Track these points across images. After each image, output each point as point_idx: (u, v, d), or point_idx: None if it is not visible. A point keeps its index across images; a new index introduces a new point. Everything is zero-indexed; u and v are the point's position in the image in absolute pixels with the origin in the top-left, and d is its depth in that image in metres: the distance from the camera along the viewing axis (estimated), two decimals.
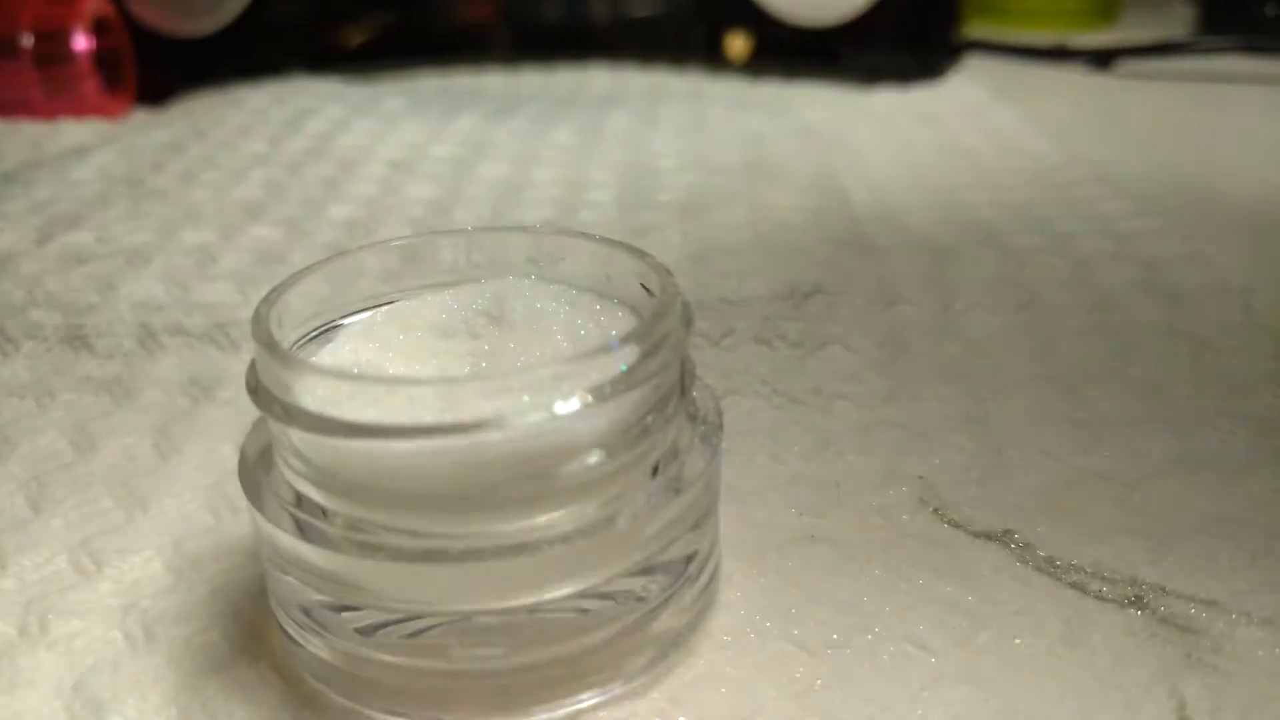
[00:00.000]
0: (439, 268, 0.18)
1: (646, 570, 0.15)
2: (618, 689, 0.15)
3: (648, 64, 0.53)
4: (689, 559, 0.15)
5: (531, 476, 0.14)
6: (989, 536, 0.18)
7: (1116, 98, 0.48)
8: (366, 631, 0.14)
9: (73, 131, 0.43)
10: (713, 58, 0.52)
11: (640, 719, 0.15)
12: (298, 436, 0.14)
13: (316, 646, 0.15)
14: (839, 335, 0.25)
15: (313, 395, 0.14)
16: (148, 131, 0.42)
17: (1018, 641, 0.16)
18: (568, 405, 0.13)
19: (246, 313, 0.26)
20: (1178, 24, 0.62)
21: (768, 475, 0.20)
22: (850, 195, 0.34)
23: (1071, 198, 0.34)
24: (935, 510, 0.19)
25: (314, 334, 0.16)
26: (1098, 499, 0.19)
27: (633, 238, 0.30)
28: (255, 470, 0.15)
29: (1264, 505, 0.19)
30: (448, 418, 0.13)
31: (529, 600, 0.14)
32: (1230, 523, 0.18)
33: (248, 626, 0.16)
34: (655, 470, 0.15)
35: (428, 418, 0.13)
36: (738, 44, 0.51)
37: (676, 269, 0.16)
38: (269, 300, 0.15)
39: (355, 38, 0.52)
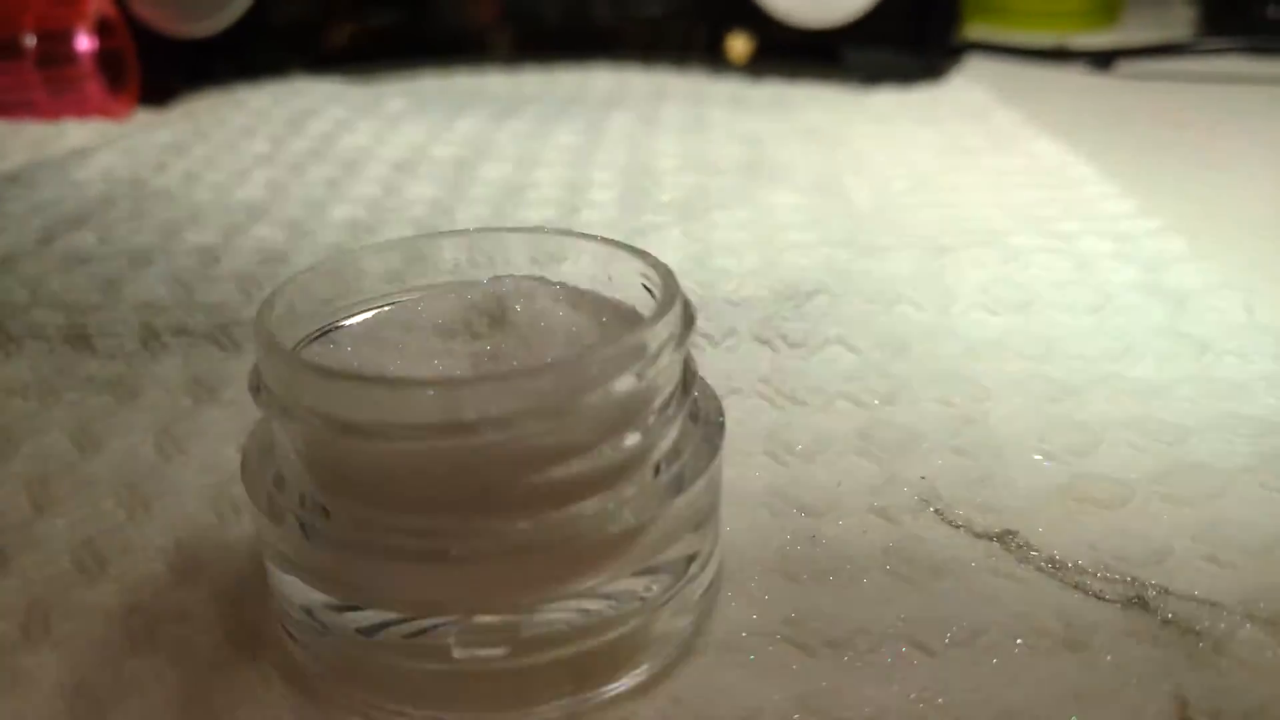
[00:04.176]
0: (441, 268, 0.18)
1: (648, 570, 0.15)
2: (619, 689, 0.15)
3: (650, 65, 0.53)
4: (690, 559, 0.15)
5: (532, 477, 0.14)
6: (990, 537, 0.18)
7: (1117, 99, 0.48)
8: (368, 632, 0.14)
9: (75, 132, 0.43)
10: (714, 58, 0.52)
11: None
12: (300, 437, 0.14)
13: (318, 646, 0.15)
14: (840, 335, 0.25)
15: (315, 396, 0.14)
16: (150, 132, 0.42)
17: (1019, 643, 0.16)
18: (569, 406, 0.13)
19: (249, 313, 0.26)
20: (1179, 25, 0.62)
21: (769, 475, 0.20)
22: (851, 195, 0.34)
23: (1072, 198, 0.34)
24: (936, 511, 0.19)
25: (316, 334, 0.16)
26: (1099, 500, 0.19)
27: (634, 238, 0.30)
28: (257, 470, 0.15)
29: (1264, 507, 0.19)
30: (449, 418, 0.13)
31: (530, 600, 0.14)
32: (1232, 524, 0.18)
33: (250, 626, 0.17)
34: (657, 470, 0.15)
35: (429, 418, 0.13)
36: (739, 45, 0.51)
37: (678, 269, 0.16)
38: (271, 300, 0.15)
39: (341, 35, 0.52)
